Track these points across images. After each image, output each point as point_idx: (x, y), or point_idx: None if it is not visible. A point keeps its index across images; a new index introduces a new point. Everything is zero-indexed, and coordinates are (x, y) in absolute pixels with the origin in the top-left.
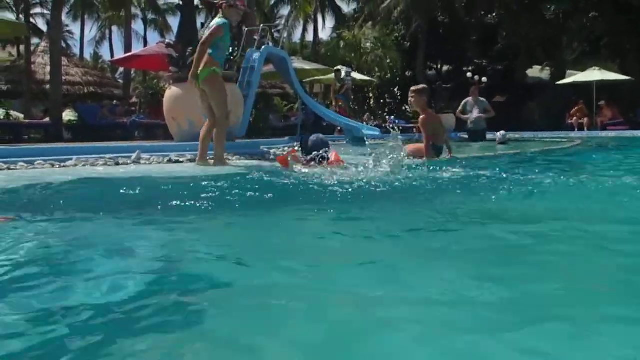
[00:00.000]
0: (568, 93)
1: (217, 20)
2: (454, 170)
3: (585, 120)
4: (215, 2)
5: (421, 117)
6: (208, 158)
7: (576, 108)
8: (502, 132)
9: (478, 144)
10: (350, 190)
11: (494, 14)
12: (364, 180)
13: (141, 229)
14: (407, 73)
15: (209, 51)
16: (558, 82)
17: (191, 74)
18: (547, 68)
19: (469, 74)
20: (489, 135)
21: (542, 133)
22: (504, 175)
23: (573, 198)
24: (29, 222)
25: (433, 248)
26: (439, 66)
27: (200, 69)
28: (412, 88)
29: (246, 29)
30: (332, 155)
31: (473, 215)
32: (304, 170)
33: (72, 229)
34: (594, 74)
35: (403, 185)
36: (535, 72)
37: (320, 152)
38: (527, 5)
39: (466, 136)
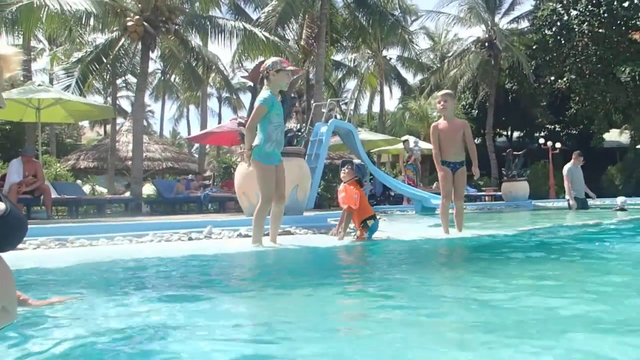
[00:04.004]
0: None
1: (259, 97)
2: None
3: None
4: (261, 72)
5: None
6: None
7: None
8: (622, 198)
9: (586, 211)
10: None
11: (565, 79)
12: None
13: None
14: (476, 140)
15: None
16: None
17: (245, 156)
18: (627, 131)
19: (541, 140)
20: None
21: (629, 199)
22: None
23: None
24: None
25: None
26: (508, 133)
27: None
28: (445, 92)
29: (314, 103)
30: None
31: None
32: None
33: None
34: None
35: None
36: (613, 135)
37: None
38: (601, 69)
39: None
